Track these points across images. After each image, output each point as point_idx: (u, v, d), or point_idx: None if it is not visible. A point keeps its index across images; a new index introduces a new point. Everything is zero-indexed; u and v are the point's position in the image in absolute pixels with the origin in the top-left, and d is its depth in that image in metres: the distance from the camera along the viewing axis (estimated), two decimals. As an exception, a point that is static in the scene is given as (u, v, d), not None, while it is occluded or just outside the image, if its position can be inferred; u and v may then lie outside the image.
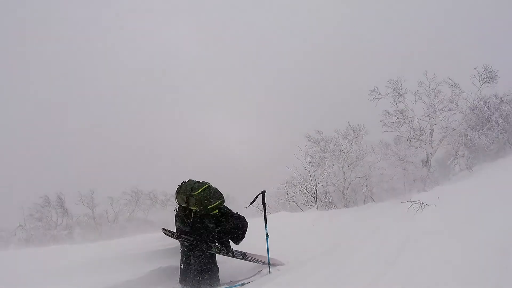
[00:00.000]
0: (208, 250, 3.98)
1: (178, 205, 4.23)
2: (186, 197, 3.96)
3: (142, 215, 21.67)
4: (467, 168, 12.30)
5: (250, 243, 5.22)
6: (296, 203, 16.74)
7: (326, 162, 16.01)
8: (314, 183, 15.87)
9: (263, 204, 4.38)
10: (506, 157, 11.27)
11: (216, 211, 4.08)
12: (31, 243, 16.44)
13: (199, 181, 4.12)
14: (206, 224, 4.00)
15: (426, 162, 13.16)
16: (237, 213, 4.38)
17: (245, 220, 4.34)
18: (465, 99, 13.60)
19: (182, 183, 4.17)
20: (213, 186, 4.11)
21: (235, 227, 4.24)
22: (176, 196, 4.15)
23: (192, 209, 4.01)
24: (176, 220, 4.23)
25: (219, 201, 4.00)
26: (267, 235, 4.18)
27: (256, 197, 4.49)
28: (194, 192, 3.91)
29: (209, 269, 4.01)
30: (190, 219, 4.03)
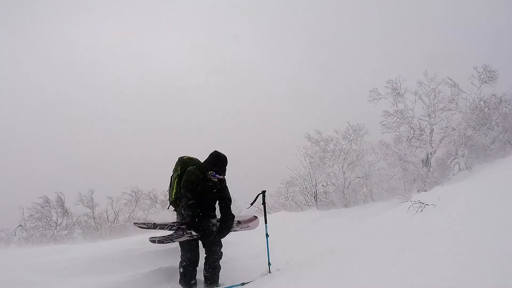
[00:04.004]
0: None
1: None
2: None
3: (142, 215, 21.65)
4: (467, 167, 12.29)
5: (250, 243, 5.23)
6: (296, 203, 16.75)
7: (326, 162, 16.00)
8: (314, 183, 15.86)
9: (263, 204, 4.36)
10: (506, 156, 11.27)
11: None
12: (31, 243, 16.43)
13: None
14: None
15: (426, 162, 13.16)
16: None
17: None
18: (464, 99, 13.61)
19: None
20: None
21: None
22: None
23: None
24: None
25: None
26: (267, 235, 4.18)
27: (257, 197, 4.48)
28: None
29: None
30: None
